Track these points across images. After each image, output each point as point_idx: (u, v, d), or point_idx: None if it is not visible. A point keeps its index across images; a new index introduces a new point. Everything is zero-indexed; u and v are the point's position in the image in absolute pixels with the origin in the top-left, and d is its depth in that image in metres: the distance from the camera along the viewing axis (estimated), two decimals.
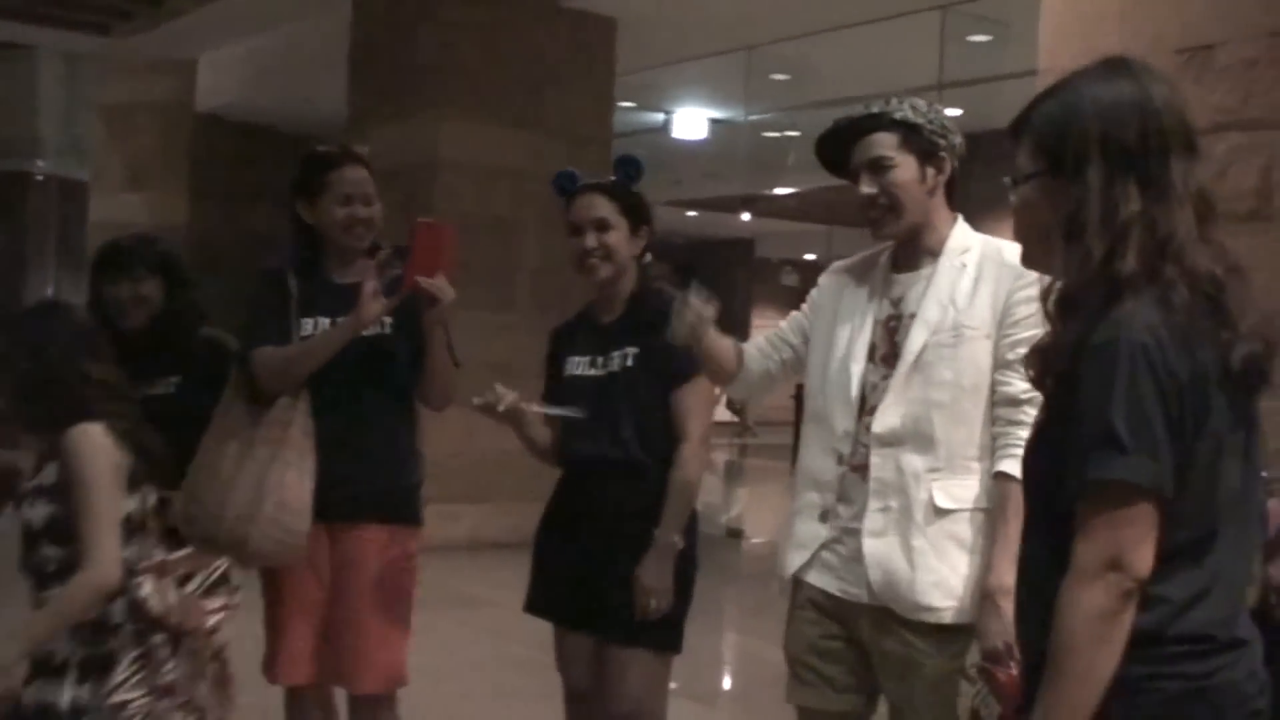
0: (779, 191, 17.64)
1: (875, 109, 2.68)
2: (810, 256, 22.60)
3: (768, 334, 2.95)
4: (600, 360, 3.20)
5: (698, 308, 2.76)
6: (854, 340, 2.71)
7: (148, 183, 13.33)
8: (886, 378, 2.64)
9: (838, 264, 2.90)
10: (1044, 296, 1.89)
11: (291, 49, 11.44)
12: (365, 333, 3.25)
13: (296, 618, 3.29)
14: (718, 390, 3.16)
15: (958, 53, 9.41)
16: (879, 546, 2.59)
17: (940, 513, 2.57)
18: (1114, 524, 1.69)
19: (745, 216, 20.89)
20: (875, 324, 2.71)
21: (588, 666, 3.18)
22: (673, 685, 3.23)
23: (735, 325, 24.16)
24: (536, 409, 3.23)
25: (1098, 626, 1.68)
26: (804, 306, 2.92)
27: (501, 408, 3.12)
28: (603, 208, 3.20)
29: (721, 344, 2.89)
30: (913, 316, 2.65)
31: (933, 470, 2.58)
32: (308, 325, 3.29)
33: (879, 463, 2.60)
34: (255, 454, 3.17)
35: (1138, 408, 1.68)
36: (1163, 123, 1.80)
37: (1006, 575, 2.39)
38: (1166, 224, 1.75)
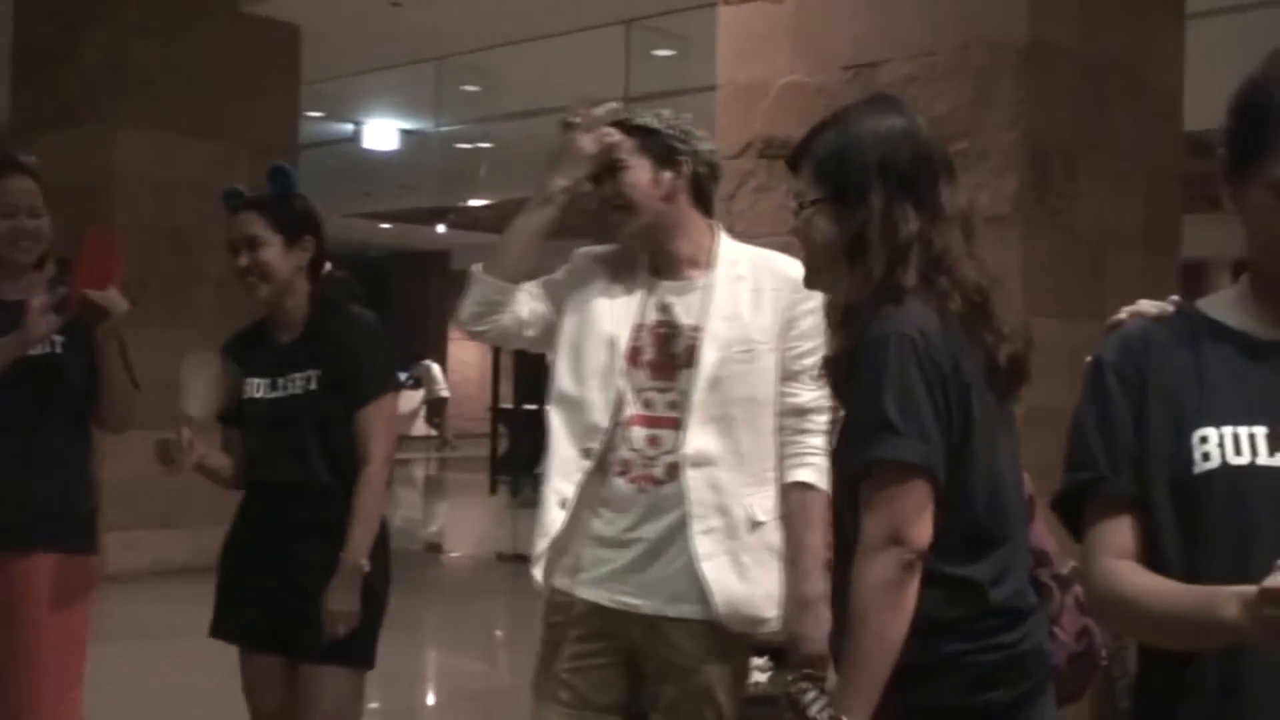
0: (473, 203, 17.62)
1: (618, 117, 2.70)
2: None
3: (532, 282, 2.80)
4: (281, 382, 3.11)
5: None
6: (615, 339, 2.66)
7: None
8: (665, 390, 2.62)
9: (588, 250, 2.84)
10: (828, 312, 2.05)
11: None
12: (34, 352, 3.08)
13: None
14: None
15: (643, 67, 9.61)
16: (715, 570, 2.55)
17: (756, 526, 2.59)
18: (890, 501, 1.86)
19: (440, 228, 20.78)
20: (640, 327, 2.67)
21: (276, 688, 3.08)
22: (372, 704, 3.19)
23: (431, 337, 23.93)
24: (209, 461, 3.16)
25: (883, 595, 1.84)
26: (557, 277, 2.82)
27: (189, 464, 3.04)
28: (253, 224, 3.08)
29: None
30: (696, 330, 2.62)
31: (745, 486, 2.59)
32: None
33: (695, 484, 2.56)
34: None
35: (907, 394, 1.85)
36: (931, 151, 2.01)
37: (820, 582, 2.49)
38: (941, 241, 1.95)
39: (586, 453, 2.64)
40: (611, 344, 2.66)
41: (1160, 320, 1.65)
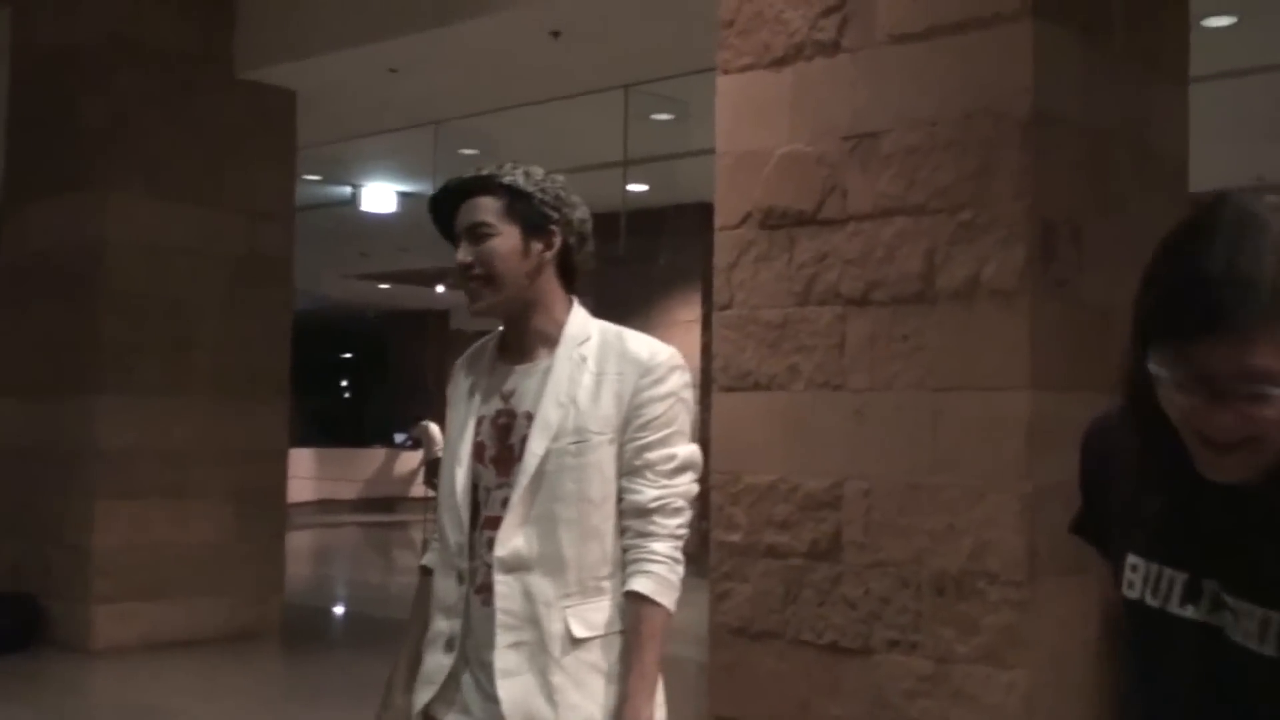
0: None
1: (486, 171, 2.41)
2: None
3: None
4: None
5: None
6: (459, 439, 2.40)
7: None
8: (503, 486, 2.34)
9: (463, 356, 2.59)
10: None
11: None
12: None
13: None
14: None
15: (641, 130, 9.59)
16: (515, 688, 2.25)
17: (576, 642, 2.28)
18: None
19: (439, 289, 20.77)
20: (483, 420, 2.40)
21: None
22: None
23: (430, 397, 23.84)
24: None
25: None
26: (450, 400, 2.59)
27: None
28: None
29: None
30: (529, 416, 2.34)
31: (565, 596, 2.29)
32: None
33: (505, 591, 2.27)
34: None
35: None
36: None
37: (645, 708, 2.26)
38: None
39: (460, 577, 2.37)
40: (456, 448, 2.41)
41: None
